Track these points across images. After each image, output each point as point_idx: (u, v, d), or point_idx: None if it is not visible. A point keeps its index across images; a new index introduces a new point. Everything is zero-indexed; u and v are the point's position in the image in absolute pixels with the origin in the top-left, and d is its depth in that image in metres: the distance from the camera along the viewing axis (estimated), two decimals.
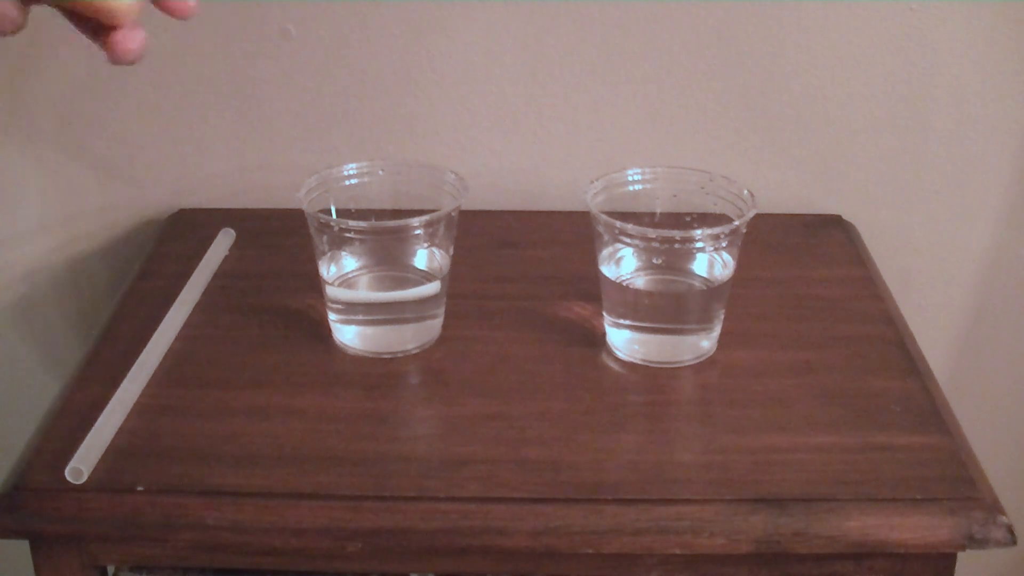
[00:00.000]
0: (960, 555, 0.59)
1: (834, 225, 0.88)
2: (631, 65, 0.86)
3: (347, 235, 0.68)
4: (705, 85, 0.87)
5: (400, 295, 0.71)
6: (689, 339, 0.70)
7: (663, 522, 0.58)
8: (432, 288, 0.70)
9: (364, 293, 0.72)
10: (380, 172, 0.74)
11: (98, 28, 0.44)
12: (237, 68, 0.87)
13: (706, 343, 0.70)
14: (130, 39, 0.45)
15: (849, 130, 0.88)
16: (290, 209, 0.73)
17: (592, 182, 0.70)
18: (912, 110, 0.87)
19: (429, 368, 0.70)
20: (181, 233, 0.87)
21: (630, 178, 0.72)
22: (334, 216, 0.71)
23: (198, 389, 0.68)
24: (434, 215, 0.68)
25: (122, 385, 0.66)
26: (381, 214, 0.71)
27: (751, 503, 0.58)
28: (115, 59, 0.45)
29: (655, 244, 0.66)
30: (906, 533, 0.57)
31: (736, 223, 0.66)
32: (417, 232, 0.68)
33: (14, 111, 0.89)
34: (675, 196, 0.72)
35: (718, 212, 0.70)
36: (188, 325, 0.74)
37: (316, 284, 0.72)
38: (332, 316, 0.72)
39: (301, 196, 0.69)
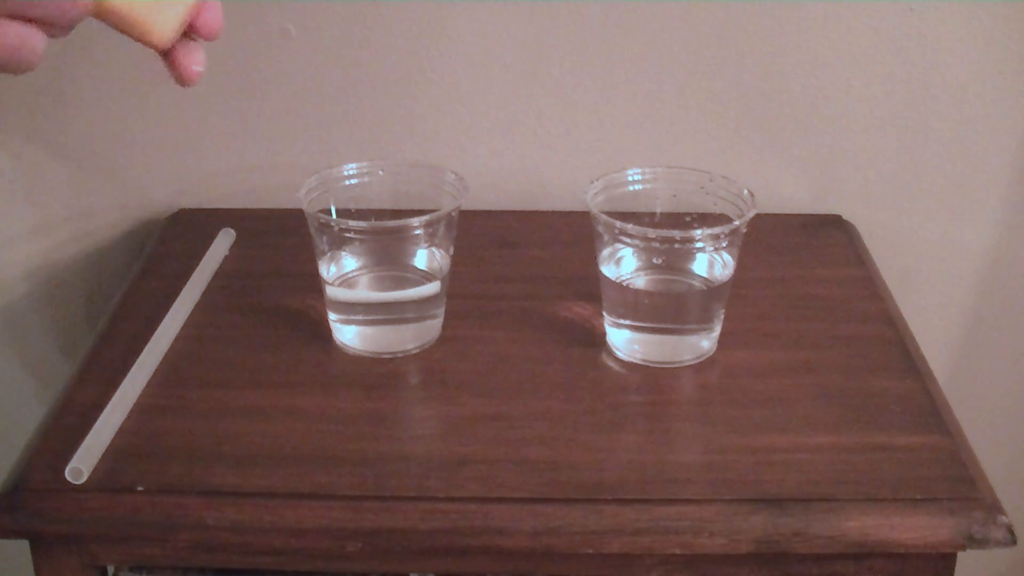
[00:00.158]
0: (960, 555, 0.59)
1: (834, 225, 0.88)
2: (631, 65, 0.86)
3: (347, 235, 0.68)
4: (705, 85, 0.87)
5: (400, 295, 0.71)
6: (689, 339, 0.70)
7: (663, 522, 0.58)
8: (432, 288, 0.70)
9: (364, 293, 0.72)
10: (380, 172, 0.74)
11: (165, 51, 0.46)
12: (237, 68, 0.87)
13: (706, 343, 0.70)
14: (194, 61, 0.47)
15: (849, 130, 0.88)
16: (290, 209, 0.73)
17: (592, 182, 0.70)
18: (912, 110, 0.87)
19: (429, 368, 0.70)
20: (181, 233, 0.87)
21: (630, 178, 0.72)
22: (334, 216, 0.71)
23: (198, 389, 0.68)
24: (434, 215, 0.68)
25: (122, 385, 0.66)
26: (381, 214, 0.71)
27: (751, 503, 0.58)
28: (180, 81, 0.47)
29: (655, 244, 0.66)
30: (906, 533, 0.57)
31: (736, 223, 0.66)
32: (417, 232, 0.68)
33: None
34: (675, 196, 0.72)
35: (718, 212, 0.70)
36: (188, 325, 0.74)
37: (316, 284, 0.72)
38: (332, 316, 0.72)
39: (301, 196, 0.69)
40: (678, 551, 0.58)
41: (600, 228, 0.68)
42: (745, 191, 0.69)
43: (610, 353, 0.71)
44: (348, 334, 0.71)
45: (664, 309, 0.69)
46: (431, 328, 0.72)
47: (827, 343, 0.72)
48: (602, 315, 0.72)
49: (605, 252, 0.69)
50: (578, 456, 0.62)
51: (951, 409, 0.66)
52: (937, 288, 0.94)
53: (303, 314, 0.75)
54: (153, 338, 0.71)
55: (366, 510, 0.58)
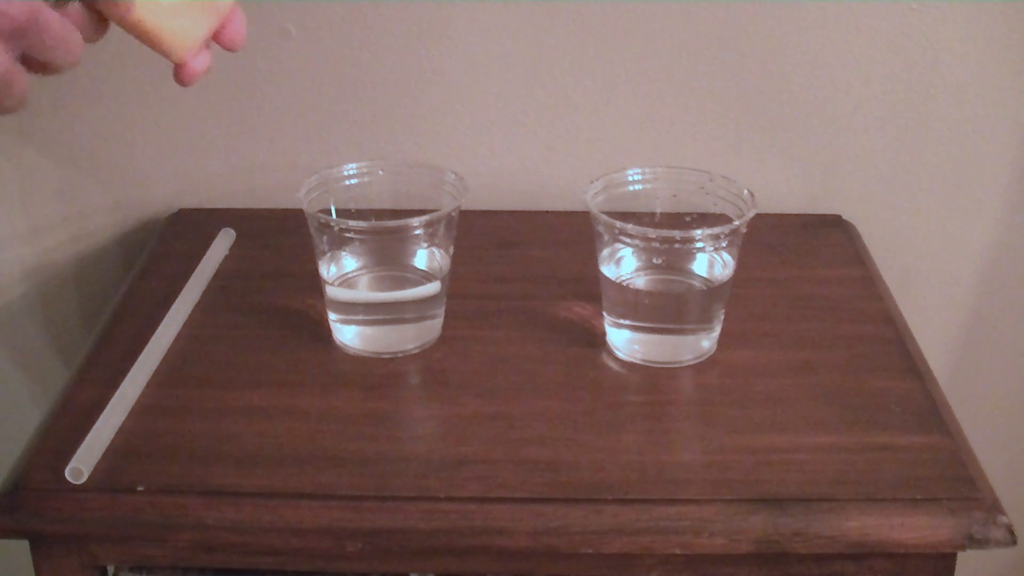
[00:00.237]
0: (960, 555, 0.59)
1: (834, 225, 0.88)
2: (631, 65, 0.86)
3: (347, 235, 0.68)
4: (705, 85, 0.87)
5: (400, 295, 0.71)
6: (689, 339, 0.70)
7: (663, 522, 0.58)
8: (432, 288, 0.70)
9: (364, 293, 0.72)
10: (380, 172, 0.74)
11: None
12: (237, 68, 0.87)
13: (706, 343, 0.70)
14: (199, 62, 0.47)
15: (849, 130, 0.88)
16: (290, 209, 0.73)
17: (592, 182, 0.70)
18: (912, 110, 0.87)
19: (429, 368, 0.70)
20: (181, 233, 0.87)
21: (630, 178, 0.72)
22: (334, 216, 0.71)
23: (198, 389, 0.68)
24: (434, 215, 0.68)
25: (122, 385, 0.66)
26: (381, 214, 0.71)
27: (751, 503, 0.58)
28: (180, 82, 0.47)
29: (655, 244, 0.66)
30: (906, 533, 0.57)
31: (736, 223, 0.66)
32: (417, 232, 0.68)
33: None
34: (675, 196, 0.72)
35: (718, 212, 0.70)
36: (188, 325, 0.74)
37: (316, 284, 0.72)
38: (332, 316, 0.72)
39: (301, 196, 0.69)
40: (678, 551, 0.58)
41: (600, 228, 0.68)
42: (745, 191, 0.69)
43: (610, 353, 0.71)
44: (348, 334, 0.71)
45: (664, 309, 0.69)
46: (431, 328, 0.72)
47: (827, 343, 0.72)
48: (602, 315, 0.72)
49: (605, 252, 0.69)
50: (578, 456, 0.62)
51: (951, 409, 0.66)
52: (937, 288, 0.94)
53: (303, 314, 0.75)
54: (153, 338, 0.71)
55: (366, 510, 0.58)
